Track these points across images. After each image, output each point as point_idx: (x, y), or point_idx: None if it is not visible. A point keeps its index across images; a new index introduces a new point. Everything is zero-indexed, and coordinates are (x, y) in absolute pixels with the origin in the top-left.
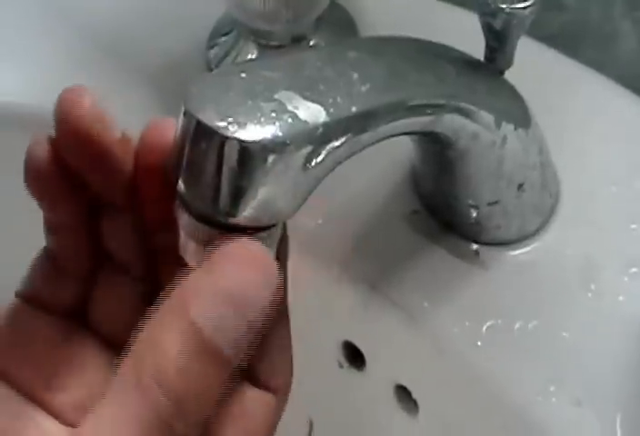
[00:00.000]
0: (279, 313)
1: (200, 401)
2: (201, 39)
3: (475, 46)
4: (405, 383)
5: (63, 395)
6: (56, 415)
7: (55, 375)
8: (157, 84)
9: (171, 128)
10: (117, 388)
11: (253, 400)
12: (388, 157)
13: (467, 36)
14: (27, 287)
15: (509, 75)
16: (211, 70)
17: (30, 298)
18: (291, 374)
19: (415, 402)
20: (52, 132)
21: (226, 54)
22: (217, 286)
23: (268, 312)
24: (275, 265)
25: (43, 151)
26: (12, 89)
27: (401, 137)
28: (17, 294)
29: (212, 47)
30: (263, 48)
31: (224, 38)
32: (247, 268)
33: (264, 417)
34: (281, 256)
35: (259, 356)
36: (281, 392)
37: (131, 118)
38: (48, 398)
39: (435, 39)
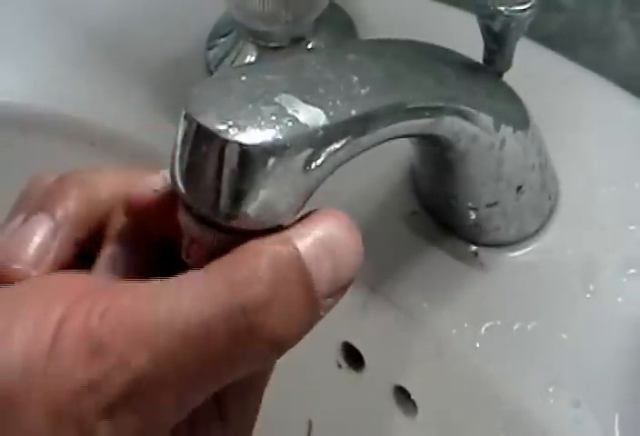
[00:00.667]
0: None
1: (284, 321)
2: (200, 40)
3: (474, 49)
4: (403, 384)
5: None
6: None
7: None
8: (157, 84)
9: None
10: (205, 277)
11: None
12: (388, 158)
13: (466, 39)
14: None
15: (508, 77)
16: (210, 71)
17: None
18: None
19: (413, 403)
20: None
21: (226, 55)
22: (319, 234)
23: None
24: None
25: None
26: (9, 89)
27: (400, 139)
28: None
29: (211, 48)
30: (262, 49)
31: (223, 39)
32: (348, 230)
33: (265, 376)
34: None
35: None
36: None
37: (130, 118)
38: None
39: (434, 41)
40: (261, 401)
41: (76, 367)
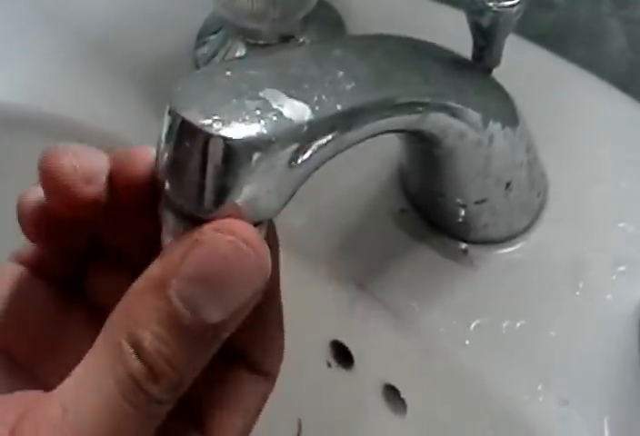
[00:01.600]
0: (271, 299)
1: (174, 367)
2: (189, 38)
3: (463, 45)
4: (393, 383)
5: (54, 368)
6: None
7: (51, 347)
8: (145, 83)
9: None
10: (94, 350)
11: (247, 382)
12: (376, 156)
13: (455, 35)
14: (30, 252)
15: (497, 74)
16: (199, 69)
17: (31, 263)
18: (281, 360)
19: (402, 402)
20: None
21: (215, 53)
22: (198, 264)
23: (251, 296)
24: (265, 248)
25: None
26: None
27: (388, 135)
28: (19, 259)
29: (200, 46)
30: (251, 47)
31: (212, 37)
32: (235, 249)
33: (255, 400)
34: (271, 242)
35: (253, 341)
36: (271, 377)
37: (119, 116)
38: (41, 371)
39: (422, 37)
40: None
41: None
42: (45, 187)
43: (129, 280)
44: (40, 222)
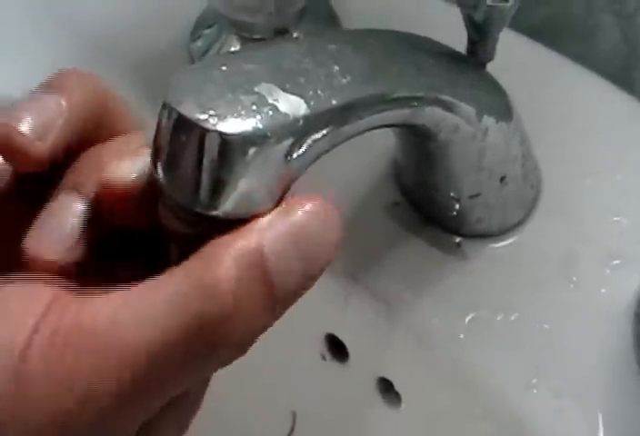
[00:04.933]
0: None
1: (245, 325)
2: (184, 32)
3: (458, 39)
4: (387, 376)
5: None
6: None
7: None
8: (140, 77)
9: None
10: (173, 280)
11: None
12: (370, 149)
13: (450, 29)
14: None
15: (492, 68)
16: (194, 63)
17: None
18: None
19: (397, 394)
20: None
21: (209, 47)
22: (288, 226)
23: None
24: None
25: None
26: None
27: (383, 129)
28: None
29: (195, 40)
30: (245, 41)
31: (206, 31)
32: (323, 221)
33: None
34: None
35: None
36: None
37: None
38: None
39: (417, 31)
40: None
41: (45, 399)
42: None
43: None
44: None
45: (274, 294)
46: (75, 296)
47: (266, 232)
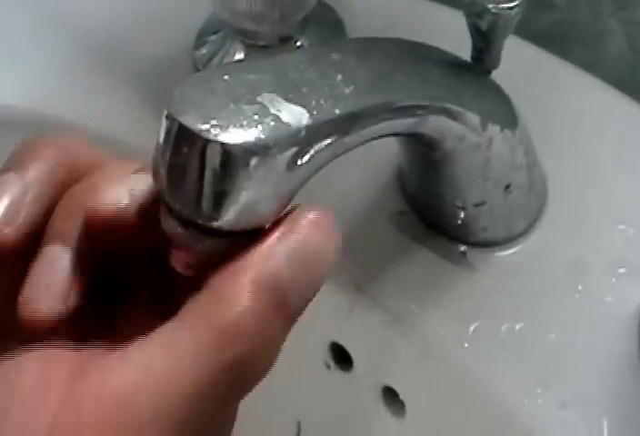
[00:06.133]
0: None
1: (268, 352)
2: (188, 40)
3: (463, 47)
4: (392, 384)
5: None
6: None
7: None
8: (145, 84)
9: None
10: (189, 330)
11: None
12: (375, 158)
13: (455, 37)
14: None
15: (497, 75)
16: (198, 70)
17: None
18: None
19: (402, 404)
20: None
21: (214, 55)
22: (299, 246)
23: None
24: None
25: None
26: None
27: (388, 138)
28: None
29: (199, 47)
30: (250, 48)
31: (211, 38)
32: (320, 233)
33: None
34: None
35: None
36: None
37: (118, 119)
38: None
39: (423, 39)
40: None
41: None
42: None
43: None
44: None
45: (289, 314)
46: (88, 359)
47: (277, 255)
